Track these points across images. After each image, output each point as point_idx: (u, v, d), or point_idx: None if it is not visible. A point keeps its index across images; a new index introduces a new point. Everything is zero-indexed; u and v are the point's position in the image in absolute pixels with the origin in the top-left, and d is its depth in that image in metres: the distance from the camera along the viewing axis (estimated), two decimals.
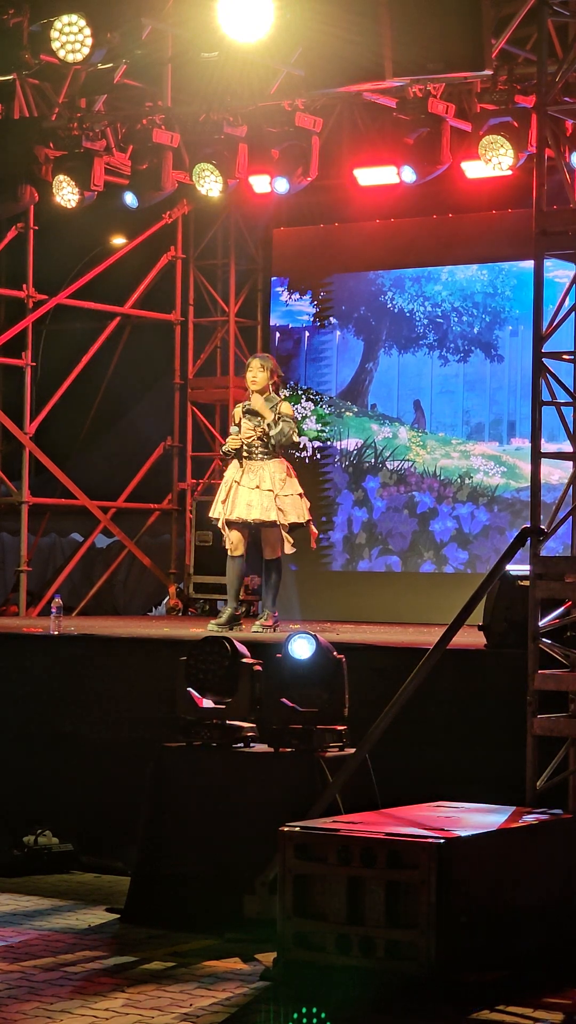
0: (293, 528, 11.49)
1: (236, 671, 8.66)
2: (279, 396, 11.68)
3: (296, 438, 11.58)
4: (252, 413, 11.55)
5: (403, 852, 6.88)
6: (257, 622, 11.62)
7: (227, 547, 11.59)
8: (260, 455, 11.49)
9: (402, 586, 15.66)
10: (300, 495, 11.56)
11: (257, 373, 11.58)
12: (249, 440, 11.48)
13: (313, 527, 11.72)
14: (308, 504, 11.70)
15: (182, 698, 8.66)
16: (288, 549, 11.53)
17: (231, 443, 11.50)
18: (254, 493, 11.39)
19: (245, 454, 11.51)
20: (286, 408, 11.58)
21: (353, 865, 6.98)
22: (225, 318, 17.20)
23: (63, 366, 16.19)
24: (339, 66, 10.86)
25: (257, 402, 11.47)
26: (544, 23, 8.57)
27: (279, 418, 11.44)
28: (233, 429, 11.60)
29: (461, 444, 15.56)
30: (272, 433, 11.40)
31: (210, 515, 11.74)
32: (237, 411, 11.72)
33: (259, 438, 11.48)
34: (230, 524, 11.47)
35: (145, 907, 8.52)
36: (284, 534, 11.44)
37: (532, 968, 7.20)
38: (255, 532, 11.56)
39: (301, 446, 16.05)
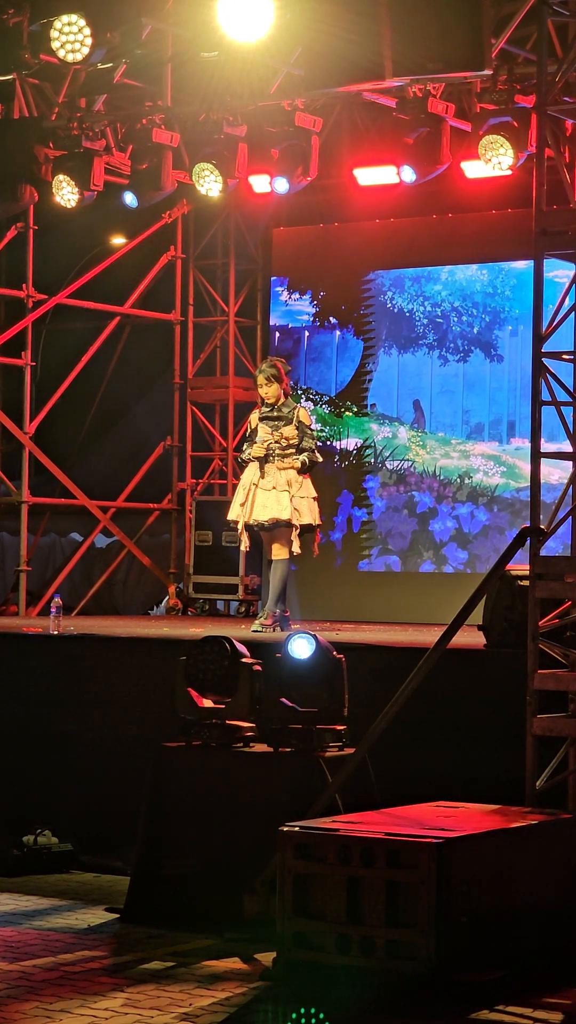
0: (304, 531, 11.53)
1: (236, 671, 8.66)
2: (295, 401, 11.76)
3: (319, 457, 11.66)
4: (268, 419, 11.58)
5: (403, 852, 6.88)
6: (257, 621, 11.64)
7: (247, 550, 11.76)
8: (278, 458, 11.52)
9: (402, 586, 15.66)
10: (314, 498, 11.60)
11: (265, 388, 11.62)
12: (267, 444, 11.52)
13: (319, 533, 11.76)
14: (320, 510, 11.76)
15: (182, 698, 8.67)
16: (295, 550, 11.55)
17: (257, 451, 11.50)
18: (270, 494, 11.44)
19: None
20: (304, 415, 11.62)
21: (353, 865, 6.98)
22: (225, 318, 17.20)
23: (63, 366, 16.19)
24: (339, 66, 10.87)
25: (283, 476, 11.52)
26: (544, 23, 8.57)
27: (302, 436, 11.49)
28: (259, 438, 11.58)
29: (461, 444, 15.55)
30: (300, 466, 11.44)
31: (228, 517, 11.78)
32: (253, 417, 11.74)
33: (276, 442, 11.51)
34: (249, 528, 11.54)
35: (145, 907, 8.52)
36: (295, 535, 11.45)
37: (532, 968, 7.20)
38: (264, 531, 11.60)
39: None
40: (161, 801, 8.62)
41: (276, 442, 11.51)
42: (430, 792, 8.20)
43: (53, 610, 11.46)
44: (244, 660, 8.70)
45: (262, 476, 11.50)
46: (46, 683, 10.60)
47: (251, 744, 8.61)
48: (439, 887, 6.78)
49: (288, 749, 8.39)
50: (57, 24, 12.25)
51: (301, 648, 8.57)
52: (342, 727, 8.52)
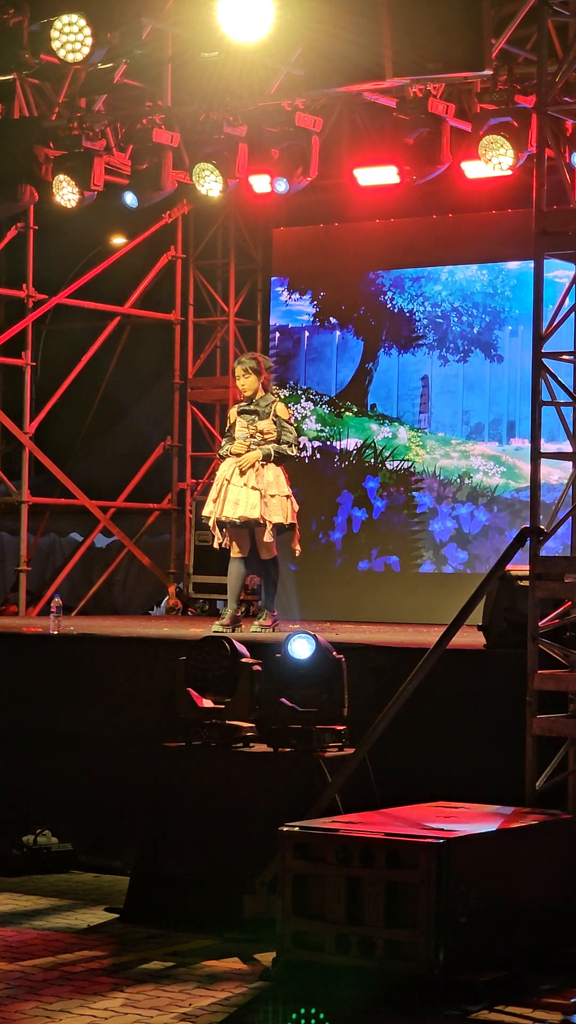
0: (279, 531, 11.44)
1: (236, 671, 8.66)
2: (274, 396, 11.68)
3: (293, 451, 11.54)
4: (245, 412, 11.54)
5: (403, 852, 6.88)
6: (256, 622, 11.61)
7: (227, 547, 11.59)
8: None
9: (402, 586, 15.66)
10: (288, 497, 11.50)
11: (243, 380, 11.56)
12: (246, 440, 11.45)
13: (298, 531, 11.65)
14: (297, 508, 11.64)
15: (182, 698, 8.67)
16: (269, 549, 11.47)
17: (238, 448, 11.44)
18: (243, 491, 11.35)
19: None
20: (282, 410, 11.55)
21: (352, 865, 6.98)
22: (225, 318, 17.20)
23: (63, 366, 16.19)
24: (339, 66, 10.87)
25: (248, 458, 11.39)
26: (544, 23, 8.57)
27: (280, 431, 11.42)
28: (237, 433, 11.53)
29: (461, 444, 15.56)
30: (263, 455, 11.35)
31: (203, 513, 11.73)
32: (232, 412, 11.70)
33: (251, 436, 11.46)
34: (221, 524, 11.45)
35: (144, 907, 8.52)
36: (267, 533, 11.35)
37: (532, 968, 7.20)
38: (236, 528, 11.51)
39: (301, 446, 16.06)
40: (161, 801, 8.62)
41: (251, 436, 11.45)
42: (430, 792, 8.20)
43: (53, 610, 11.45)
44: (244, 660, 8.70)
45: (241, 473, 11.39)
46: (46, 683, 10.59)
47: (251, 744, 8.61)
48: (439, 887, 6.78)
49: (288, 749, 8.39)
50: (57, 24, 12.26)
51: (301, 648, 8.57)
52: (342, 727, 8.51)
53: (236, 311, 17.19)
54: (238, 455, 11.41)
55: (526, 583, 8.50)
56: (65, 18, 12.24)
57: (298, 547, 11.78)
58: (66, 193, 14.03)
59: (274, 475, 11.43)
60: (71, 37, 12.26)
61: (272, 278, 16.72)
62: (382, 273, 15.94)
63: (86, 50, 12.28)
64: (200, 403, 17.17)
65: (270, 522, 11.31)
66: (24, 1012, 6.74)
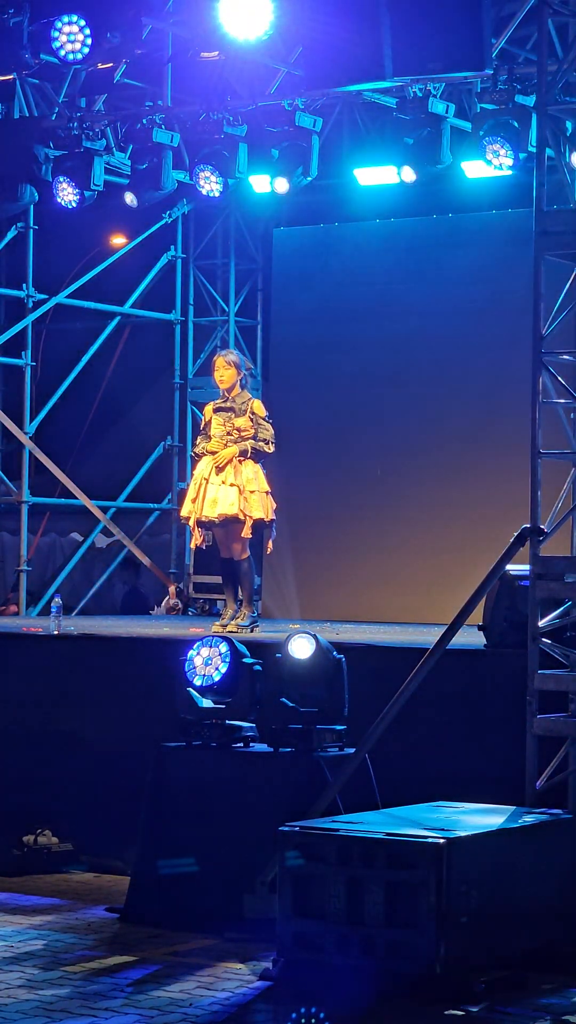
0: (256, 527, 11.37)
1: (236, 671, 8.67)
2: (249, 393, 11.62)
3: (270, 448, 11.46)
4: (221, 410, 11.47)
5: (403, 852, 6.89)
6: (234, 621, 11.48)
7: (203, 547, 11.54)
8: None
9: (402, 586, 15.63)
10: (267, 493, 11.43)
11: (223, 372, 11.49)
12: (222, 437, 11.39)
13: (273, 530, 11.59)
14: (275, 505, 11.57)
15: (182, 698, 8.67)
16: (245, 550, 11.42)
17: (214, 446, 11.36)
18: (221, 488, 11.27)
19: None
20: (258, 407, 11.48)
21: (353, 865, 6.98)
22: (225, 318, 17.20)
23: (63, 366, 16.18)
24: (339, 66, 10.87)
25: (224, 454, 11.34)
26: (544, 23, 8.58)
27: (257, 428, 11.35)
28: (213, 431, 11.46)
29: None
30: (242, 451, 11.28)
31: (181, 514, 11.67)
32: (208, 409, 11.62)
33: (228, 433, 11.40)
34: (201, 524, 11.38)
35: (145, 906, 8.53)
36: (246, 531, 11.27)
37: (532, 968, 7.21)
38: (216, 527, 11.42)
39: None
40: (161, 801, 8.62)
41: (228, 434, 11.39)
42: (430, 792, 8.20)
43: (53, 610, 11.46)
44: (244, 660, 8.70)
45: (218, 472, 11.32)
46: (46, 683, 10.59)
47: (251, 744, 8.61)
48: (439, 887, 6.78)
49: (288, 749, 8.39)
50: (57, 24, 12.26)
51: (301, 648, 8.57)
52: (342, 727, 8.52)
53: (236, 311, 17.19)
54: (214, 453, 11.37)
55: (526, 583, 8.50)
56: (65, 18, 12.24)
57: (270, 546, 11.72)
58: (66, 193, 14.02)
59: (253, 472, 11.35)
60: (71, 37, 12.27)
61: (272, 278, 16.70)
62: (382, 273, 15.91)
63: (86, 50, 12.29)
64: (200, 403, 17.12)
65: (250, 517, 11.25)
66: (24, 1012, 6.74)
